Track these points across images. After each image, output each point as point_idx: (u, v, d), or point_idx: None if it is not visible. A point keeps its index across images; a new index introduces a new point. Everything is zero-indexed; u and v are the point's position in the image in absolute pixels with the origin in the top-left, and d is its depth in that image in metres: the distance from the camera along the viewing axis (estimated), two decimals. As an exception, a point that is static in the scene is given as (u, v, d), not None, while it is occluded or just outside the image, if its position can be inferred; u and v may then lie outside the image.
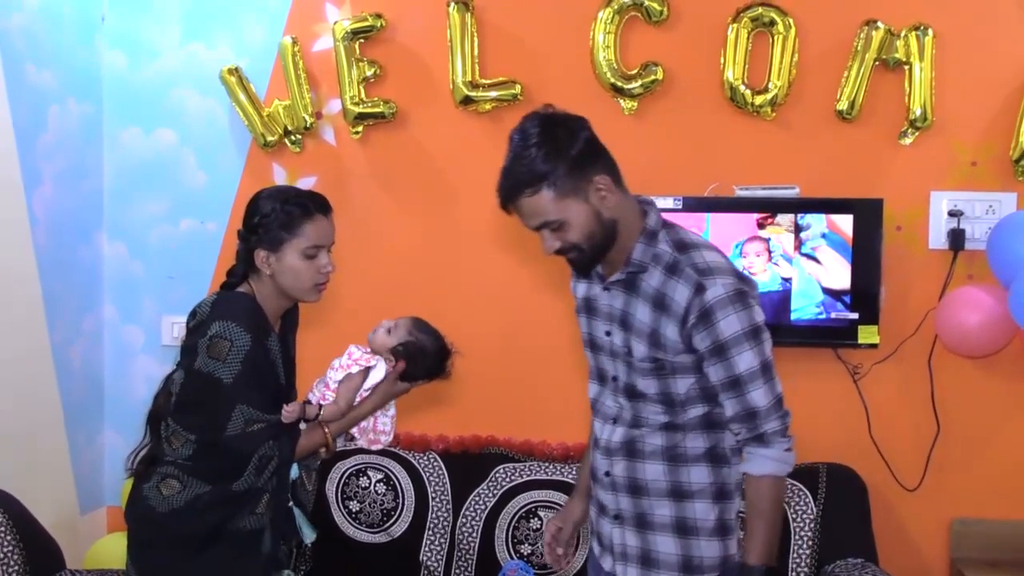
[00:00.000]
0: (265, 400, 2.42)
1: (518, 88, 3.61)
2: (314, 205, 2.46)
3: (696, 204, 3.50)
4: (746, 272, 2.30)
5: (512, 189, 2.15)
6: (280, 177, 3.83)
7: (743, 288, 2.15)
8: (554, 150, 2.12)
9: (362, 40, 3.71)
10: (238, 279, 2.49)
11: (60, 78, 3.71)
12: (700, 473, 2.25)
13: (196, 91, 3.90)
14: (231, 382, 2.34)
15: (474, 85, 3.64)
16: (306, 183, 3.80)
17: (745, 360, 2.13)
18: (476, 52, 3.65)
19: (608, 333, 2.29)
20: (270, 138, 3.76)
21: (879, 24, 3.43)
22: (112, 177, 3.97)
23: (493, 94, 3.63)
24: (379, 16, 3.69)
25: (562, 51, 3.64)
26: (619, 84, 3.58)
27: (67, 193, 3.76)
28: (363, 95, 3.72)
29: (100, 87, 3.94)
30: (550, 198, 2.13)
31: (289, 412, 2.44)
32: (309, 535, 2.60)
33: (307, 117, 3.74)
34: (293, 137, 3.79)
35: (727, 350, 2.13)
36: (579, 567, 3.25)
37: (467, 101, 3.65)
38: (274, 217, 2.42)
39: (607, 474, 2.34)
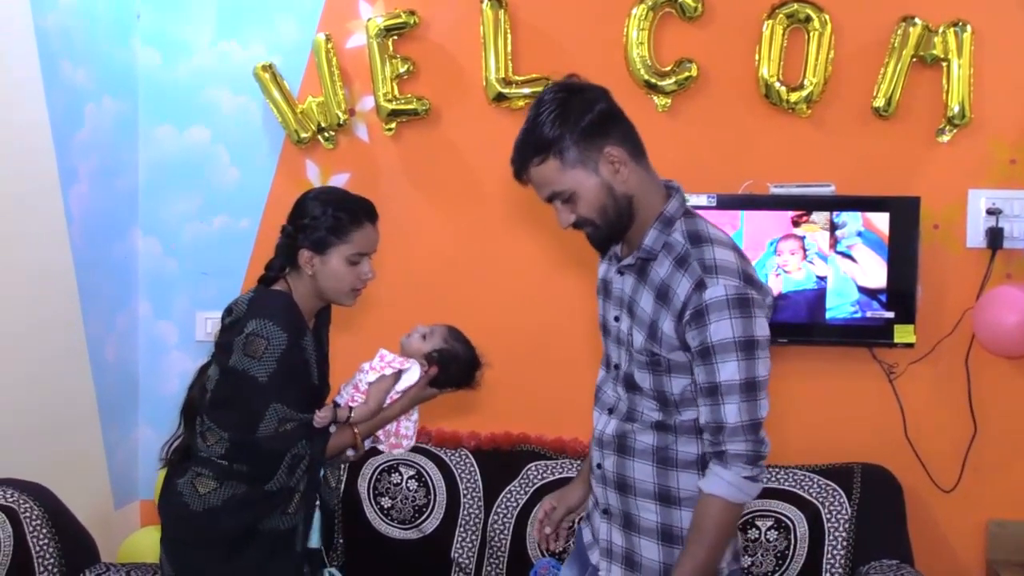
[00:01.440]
0: (299, 399, 2.43)
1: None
2: (364, 213, 2.49)
3: (730, 202, 3.48)
4: (765, 276, 2.11)
5: (521, 159, 2.11)
6: (313, 174, 3.84)
7: (748, 294, 2.00)
8: (563, 118, 2.06)
9: (395, 37, 3.71)
10: (275, 273, 2.50)
11: (95, 76, 3.73)
12: (690, 480, 2.14)
13: (229, 89, 3.91)
14: (266, 380, 2.35)
15: (507, 82, 3.64)
16: (339, 180, 3.81)
17: (728, 370, 2.00)
18: (509, 49, 3.65)
19: (617, 319, 2.22)
20: (304, 135, 3.77)
21: (916, 20, 3.39)
22: (146, 174, 3.99)
23: (526, 91, 3.62)
24: (412, 13, 3.69)
25: (595, 48, 3.63)
26: (653, 81, 3.57)
27: (102, 190, 3.79)
28: (396, 92, 3.72)
29: (135, 84, 3.96)
30: (556, 167, 2.07)
31: (322, 417, 2.45)
32: (315, 541, 2.59)
33: (340, 114, 3.75)
34: (327, 134, 3.80)
35: (712, 355, 2.01)
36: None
37: (500, 98, 3.65)
38: (324, 220, 2.44)
39: (599, 466, 2.28)
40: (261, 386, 2.35)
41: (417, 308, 3.72)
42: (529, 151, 2.09)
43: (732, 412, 2.02)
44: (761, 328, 2.02)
